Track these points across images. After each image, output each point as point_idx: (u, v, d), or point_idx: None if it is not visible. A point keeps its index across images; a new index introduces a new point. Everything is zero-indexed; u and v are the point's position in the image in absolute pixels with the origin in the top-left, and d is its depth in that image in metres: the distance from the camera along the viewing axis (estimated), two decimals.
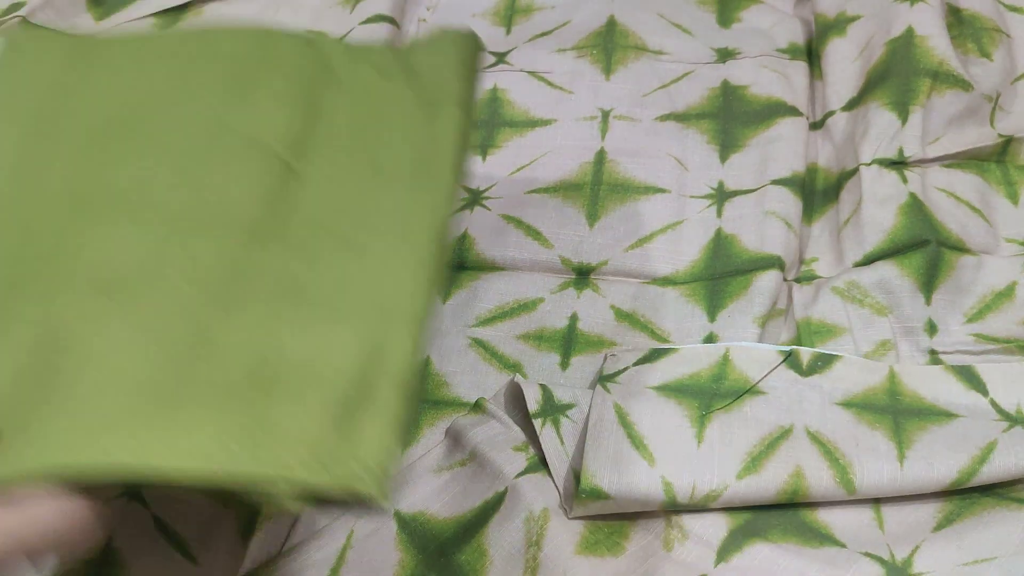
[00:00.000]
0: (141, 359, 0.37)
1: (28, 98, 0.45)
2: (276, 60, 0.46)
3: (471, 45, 0.47)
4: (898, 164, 0.53)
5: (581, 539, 0.42)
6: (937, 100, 0.54)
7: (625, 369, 0.47)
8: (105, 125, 0.44)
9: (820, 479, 0.41)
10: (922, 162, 0.53)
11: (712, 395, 0.45)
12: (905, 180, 0.52)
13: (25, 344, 0.38)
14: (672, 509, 0.42)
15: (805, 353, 0.46)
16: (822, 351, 0.46)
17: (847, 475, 0.41)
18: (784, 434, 0.43)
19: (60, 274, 0.40)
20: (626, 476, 0.42)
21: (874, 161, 0.53)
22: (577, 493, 0.42)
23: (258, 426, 0.35)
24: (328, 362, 0.37)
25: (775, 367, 0.46)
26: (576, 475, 0.43)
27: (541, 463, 0.45)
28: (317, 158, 0.43)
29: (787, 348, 0.47)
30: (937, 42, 0.55)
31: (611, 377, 0.47)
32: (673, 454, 0.43)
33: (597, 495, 0.42)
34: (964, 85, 0.54)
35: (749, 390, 0.45)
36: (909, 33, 0.56)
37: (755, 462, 0.42)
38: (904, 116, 0.53)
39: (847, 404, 0.44)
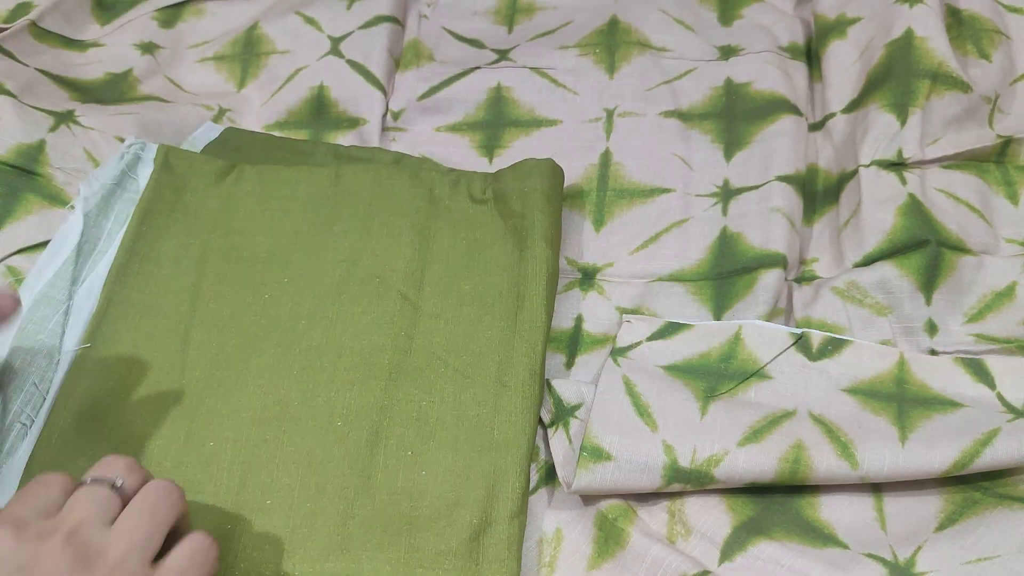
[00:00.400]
0: (315, 497, 0.43)
1: (192, 222, 0.52)
2: (392, 196, 0.52)
3: (554, 175, 0.53)
4: (897, 165, 0.53)
5: (591, 556, 0.43)
6: (936, 101, 0.54)
7: (638, 344, 0.48)
8: (264, 258, 0.51)
9: (821, 452, 0.42)
10: (921, 163, 0.53)
11: (719, 376, 0.46)
12: (904, 181, 0.52)
13: (225, 463, 0.44)
14: (674, 478, 0.42)
15: (816, 336, 0.47)
16: (833, 335, 0.47)
17: (848, 450, 0.42)
18: (787, 415, 0.44)
19: (233, 399, 0.46)
20: (628, 438, 0.43)
21: (873, 163, 0.53)
22: (579, 454, 0.43)
23: (411, 560, 0.41)
24: (457, 495, 0.42)
25: (784, 350, 0.46)
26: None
27: (551, 474, 0.45)
28: (429, 287, 0.49)
29: (799, 331, 0.47)
30: (937, 43, 0.55)
31: (623, 351, 0.48)
32: (675, 422, 0.44)
33: (599, 455, 0.42)
34: (963, 87, 0.54)
35: (756, 373, 0.46)
36: (909, 34, 0.55)
37: (756, 434, 0.43)
38: (903, 118, 0.53)
39: (853, 391, 0.45)
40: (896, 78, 0.55)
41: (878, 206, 0.51)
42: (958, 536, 0.41)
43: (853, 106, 0.57)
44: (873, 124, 0.54)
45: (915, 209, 0.50)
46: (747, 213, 0.54)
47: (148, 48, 0.65)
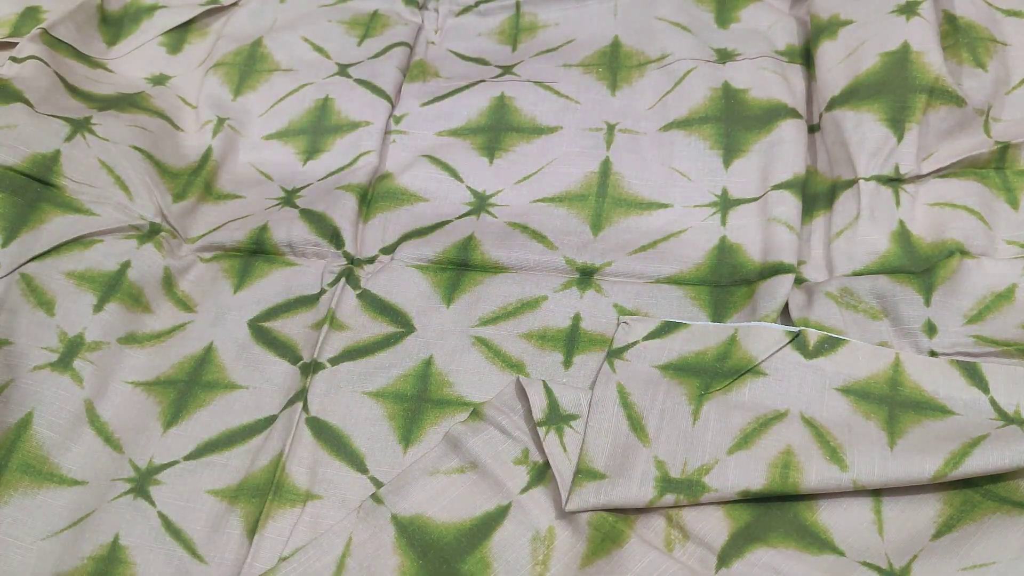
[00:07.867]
0: None
1: None
2: None
3: None
4: (894, 181, 0.51)
5: (584, 554, 0.41)
6: (932, 116, 0.52)
7: (635, 344, 0.47)
8: None
9: (810, 456, 0.41)
10: (918, 177, 0.51)
11: (714, 374, 0.44)
12: (899, 202, 0.50)
13: None
14: (666, 488, 0.41)
15: (813, 335, 0.45)
16: (830, 334, 0.45)
17: (837, 454, 0.40)
18: (778, 416, 0.42)
19: None
20: (619, 456, 0.42)
21: (872, 177, 0.51)
22: (575, 474, 0.41)
23: None
24: None
25: (781, 347, 0.45)
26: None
27: (541, 474, 0.43)
28: None
29: (795, 329, 0.45)
30: (933, 58, 0.52)
31: (619, 352, 0.46)
32: (667, 434, 0.42)
33: (593, 475, 0.41)
34: (958, 100, 0.51)
35: (751, 369, 0.44)
36: (905, 48, 0.53)
37: (747, 439, 0.42)
38: (900, 134, 0.51)
39: (846, 390, 0.43)
40: (892, 92, 0.52)
41: (874, 225, 0.50)
42: (954, 543, 0.39)
43: (833, 104, 0.54)
44: (870, 137, 0.52)
45: (904, 239, 0.49)
46: (747, 225, 0.52)
47: (159, 80, 0.64)
